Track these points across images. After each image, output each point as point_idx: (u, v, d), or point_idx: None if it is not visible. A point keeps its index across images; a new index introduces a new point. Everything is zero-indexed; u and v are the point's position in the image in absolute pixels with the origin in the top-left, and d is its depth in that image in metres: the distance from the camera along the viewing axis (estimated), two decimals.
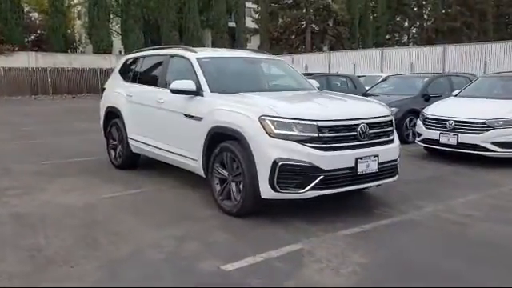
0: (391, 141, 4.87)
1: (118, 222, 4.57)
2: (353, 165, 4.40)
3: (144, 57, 6.80)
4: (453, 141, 7.46)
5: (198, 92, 5.22)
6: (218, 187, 4.89)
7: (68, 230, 4.36)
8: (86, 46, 38.64)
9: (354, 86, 14.20)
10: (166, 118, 5.74)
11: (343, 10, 42.30)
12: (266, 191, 4.32)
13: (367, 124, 4.57)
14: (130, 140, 6.63)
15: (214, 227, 4.40)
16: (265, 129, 4.31)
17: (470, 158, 7.52)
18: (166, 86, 5.90)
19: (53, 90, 30.06)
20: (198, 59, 5.59)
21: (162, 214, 4.85)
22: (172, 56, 6.08)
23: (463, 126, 7.41)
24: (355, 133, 4.49)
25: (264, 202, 4.46)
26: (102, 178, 6.48)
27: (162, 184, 6.08)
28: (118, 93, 6.92)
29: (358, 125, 4.50)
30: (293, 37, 43.19)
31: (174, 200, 5.39)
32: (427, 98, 10.05)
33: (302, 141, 4.27)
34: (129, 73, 7.05)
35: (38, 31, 36.31)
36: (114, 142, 7.12)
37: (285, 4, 42.67)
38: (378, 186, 4.95)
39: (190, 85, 5.22)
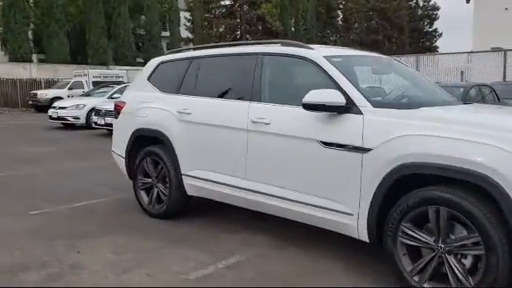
0: None
1: None
2: None
3: (201, 58, 4.73)
4: None
5: (348, 107, 3.38)
6: (405, 260, 3.08)
7: None
8: None
9: None
10: (273, 146, 3.79)
11: (276, 21, 41.82)
12: None
13: None
14: (185, 178, 4.55)
15: None
16: None
17: None
18: (260, 99, 3.98)
19: None
20: (328, 58, 3.74)
21: None
22: (267, 55, 4.12)
23: None
24: None
25: None
26: (152, 235, 4.35)
27: (255, 244, 4.09)
28: (159, 109, 4.80)
29: None
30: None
31: (306, 272, 3.47)
32: None
33: None
34: (171, 81, 4.95)
35: None
36: (149, 181, 4.97)
37: (219, 13, 41.08)
38: None
39: (334, 96, 3.37)
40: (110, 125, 12.47)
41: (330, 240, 3.99)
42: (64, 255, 3.86)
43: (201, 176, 4.42)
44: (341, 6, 52.52)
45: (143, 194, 5.06)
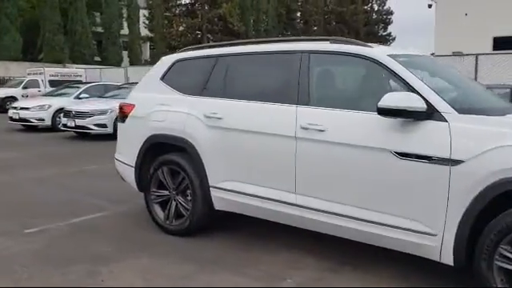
0: None
1: None
2: None
3: (231, 56, 4.22)
4: None
5: (430, 113, 2.99)
6: (503, 286, 2.73)
7: None
8: None
9: None
10: (331, 157, 3.35)
11: (238, 21, 41.43)
12: None
13: None
14: (213, 190, 4.03)
15: None
16: None
17: None
18: (309, 102, 3.54)
19: None
20: (394, 57, 3.34)
21: None
22: (314, 53, 3.67)
23: None
24: None
25: None
26: (179, 257, 3.80)
27: (304, 266, 3.64)
28: (180, 112, 4.25)
29: None
30: (189, 46, 40.73)
31: None
32: None
33: None
34: (192, 81, 4.41)
35: None
36: (165, 193, 4.41)
37: (180, 11, 40.19)
38: None
39: (414, 101, 2.97)
40: (81, 127, 11.70)
41: (385, 259, 3.61)
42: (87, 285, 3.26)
43: (233, 188, 3.92)
44: (300, 8, 52.78)
45: (158, 208, 4.49)
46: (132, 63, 33.97)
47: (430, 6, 27.64)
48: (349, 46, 3.54)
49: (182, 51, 4.80)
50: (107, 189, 6.18)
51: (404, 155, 3.02)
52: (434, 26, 27.15)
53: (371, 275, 3.44)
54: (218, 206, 4.08)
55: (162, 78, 4.61)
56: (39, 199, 5.71)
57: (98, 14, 35.79)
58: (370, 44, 3.59)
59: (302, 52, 3.70)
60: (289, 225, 3.76)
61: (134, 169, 4.60)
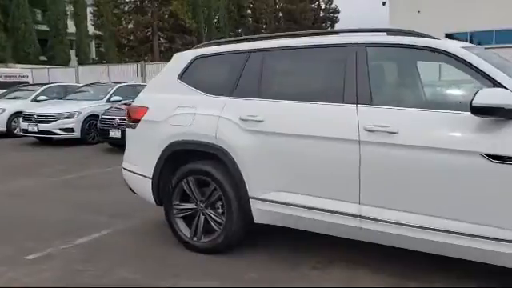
0: None
1: None
2: None
3: (266, 51, 3.76)
4: None
5: None
6: None
7: None
8: None
9: None
10: (407, 162, 2.99)
11: (190, 18, 40.58)
12: None
13: None
14: (254, 202, 3.59)
15: None
16: None
17: None
18: (371, 101, 3.18)
19: None
20: (469, 50, 3.04)
21: None
22: (372, 46, 3.30)
23: None
24: None
25: None
26: (226, 280, 3.33)
27: (363, 282, 3.28)
28: (209, 115, 3.76)
29: None
30: (137, 44, 39.42)
31: None
32: None
33: None
34: (219, 80, 3.95)
35: None
36: (191, 206, 3.92)
37: (129, 8, 38.76)
38: None
39: (510, 98, 2.68)
40: (46, 132, 10.74)
41: (458, 271, 3.32)
42: None
43: (279, 200, 3.49)
44: (251, 5, 52.55)
45: (181, 224, 3.99)
46: (81, 62, 32.34)
47: (384, 3, 28.15)
48: (414, 38, 3.20)
49: (199, 47, 4.31)
50: (101, 202, 5.57)
51: (497, 158, 2.72)
52: (388, 23, 27.66)
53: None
54: (258, 219, 3.64)
55: (181, 77, 4.10)
56: (26, 217, 5.02)
57: (43, 11, 33.86)
58: (415, 32, 3.27)
59: (358, 45, 3.32)
60: (347, 238, 3.38)
61: (150, 180, 4.06)
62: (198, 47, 4.31)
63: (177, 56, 4.35)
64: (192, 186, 3.88)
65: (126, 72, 23.76)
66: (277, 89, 3.68)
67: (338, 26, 58.79)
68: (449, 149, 2.86)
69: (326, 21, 59.41)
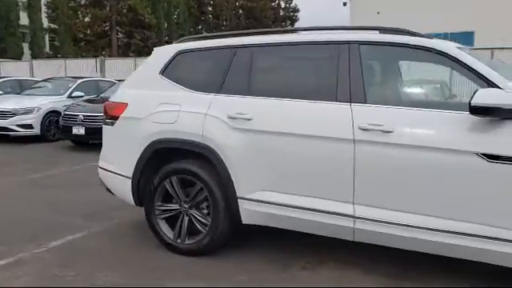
0: None
1: None
2: None
3: (255, 46, 3.64)
4: None
5: None
6: None
7: None
8: None
9: None
10: (402, 161, 2.98)
11: (149, 14, 39.81)
12: None
13: None
14: (243, 202, 3.49)
15: None
16: None
17: None
18: (365, 100, 3.15)
19: None
20: (462, 49, 3.06)
21: None
22: (365, 44, 3.26)
23: None
24: None
25: None
26: (214, 280, 3.22)
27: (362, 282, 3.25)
28: (195, 113, 3.63)
29: None
30: (94, 39, 38.28)
31: None
32: None
33: None
34: (204, 76, 3.83)
35: None
36: (174, 207, 3.78)
37: (86, 1, 37.57)
38: None
39: (508, 98, 2.71)
40: (2, 128, 10.15)
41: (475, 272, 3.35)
42: None
43: (269, 200, 3.41)
44: (211, 2, 52.13)
45: (164, 225, 3.84)
46: (34, 56, 31.01)
47: (344, 3, 28.57)
48: (409, 37, 3.19)
49: (181, 41, 4.16)
50: (72, 201, 5.32)
51: (494, 157, 2.74)
52: (349, 23, 28.10)
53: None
54: (247, 219, 3.55)
55: (162, 73, 3.94)
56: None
57: None
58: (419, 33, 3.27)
59: (351, 42, 3.28)
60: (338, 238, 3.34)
61: (130, 180, 3.88)
62: (179, 42, 4.16)
63: (157, 51, 4.18)
64: (176, 186, 3.74)
65: (84, 67, 23.02)
66: (266, 86, 3.59)
67: (297, 26, 59.41)
68: (445, 148, 2.87)
69: (285, 19, 59.80)
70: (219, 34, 4.14)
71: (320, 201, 3.25)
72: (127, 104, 3.98)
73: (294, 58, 3.59)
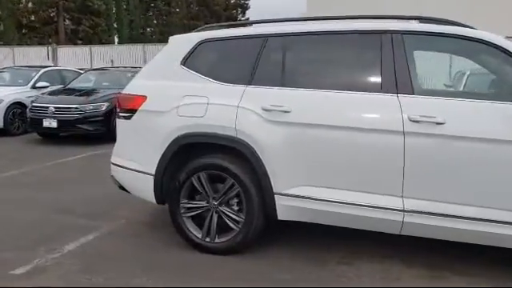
0: None
1: None
2: None
3: (288, 36, 3.49)
4: None
5: None
6: None
7: None
8: None
9: None
10: (456, 153, 2.95)
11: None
12: None
13: None
14: (280, 198, 3.35)
15: None
16: None
17: None
18: (413, 91, 3.10)
19: None
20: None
21: None
22: (408, 33, 3.18)
23: None
24: None
25: None
26: (256, 281, 3.09)
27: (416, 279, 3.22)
28: (228, 105, 3.44)
29: None
30: (40, 25, 36.34)
31: None
32: None
33: None
34: (232, 66, 3.63)
35: None
36: (201, 204, 3.59)
37: None
38: None
39: None
40: None
41: None
42: None
43: (311, 195, 3.29)
44: None
45: (190, 223, 3.64)
46: None
47: None
48: (455, 27, 3.15)
49: (202, 29, 3.94)
50: (64, 200, 5.01)
51: None
52: (306, 13, 28.19)
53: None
54: (283, 215, 3.42)
55: (184, 63, 3.71)
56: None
57: None
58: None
59: (393, 32, 3.21)
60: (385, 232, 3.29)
61: (152, 177, 3.65)
62: (199, 30, 3.93)
63: (176, 39, 3.93)
64: (204, 182, 3.54)
65: (33, 55, 21.73)
66: (303, 77, 3.46)
67: (248, 13, 59.02)
68: (499, 139, 2.86)
69: (236, 7, 59.37)
70: (245, 21, 3.95)
71: (366, 195, 3.18)
72: (146, 96, 3.72)
73: (333, 47, 3.46)
